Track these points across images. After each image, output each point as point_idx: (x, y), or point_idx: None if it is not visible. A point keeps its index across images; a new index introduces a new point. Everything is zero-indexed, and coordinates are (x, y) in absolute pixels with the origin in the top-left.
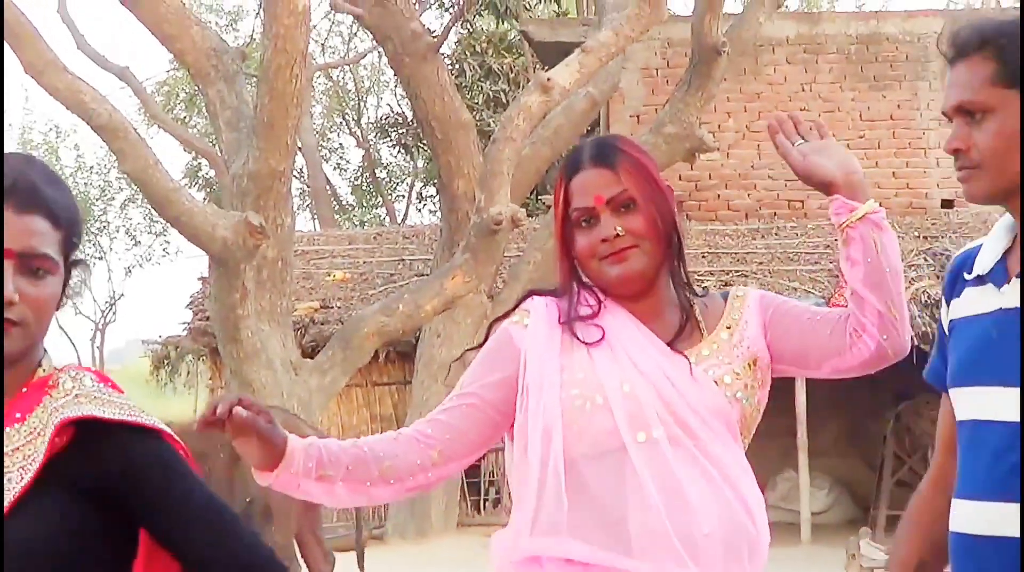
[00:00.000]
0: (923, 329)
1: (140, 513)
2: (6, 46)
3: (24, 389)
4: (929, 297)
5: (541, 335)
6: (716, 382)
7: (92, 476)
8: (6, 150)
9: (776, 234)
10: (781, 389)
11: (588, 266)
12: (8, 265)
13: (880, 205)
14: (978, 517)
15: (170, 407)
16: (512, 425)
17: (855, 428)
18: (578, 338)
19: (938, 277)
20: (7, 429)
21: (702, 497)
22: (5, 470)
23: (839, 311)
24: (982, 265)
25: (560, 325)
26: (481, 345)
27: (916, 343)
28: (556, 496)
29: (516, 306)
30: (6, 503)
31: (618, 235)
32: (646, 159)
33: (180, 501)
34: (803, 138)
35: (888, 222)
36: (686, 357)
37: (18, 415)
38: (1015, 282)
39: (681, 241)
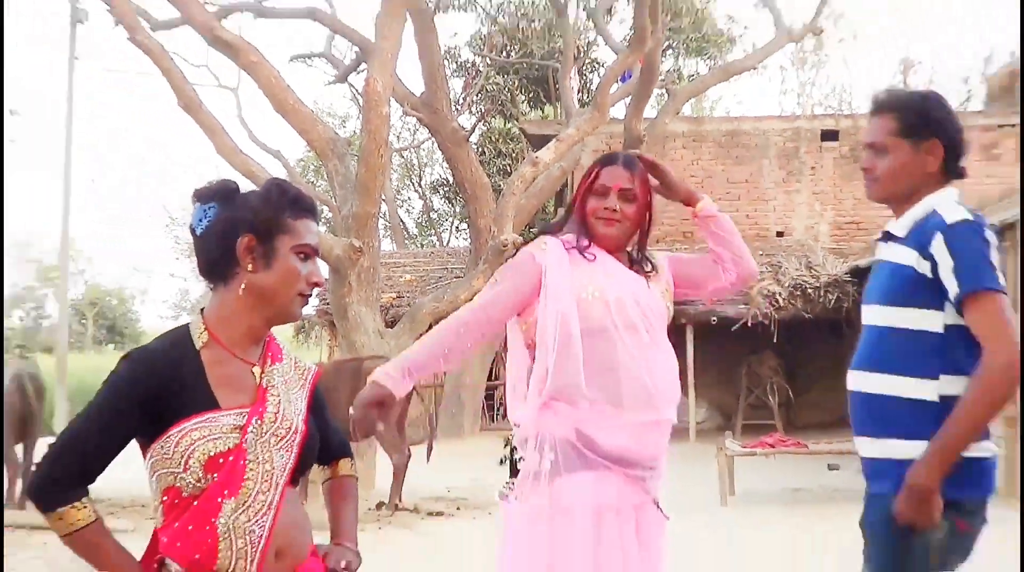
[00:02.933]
0: (764, 310)
1: (319, 414)
2: (204, 134)
3: (268, 338)
4: (768, 291)
5: (556, 255)
6: (660, 295)
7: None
8: None
9: (675, 253)
10: (675, 344)
11: (588, 219)
12: (314, 260)
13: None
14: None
15: (305, 357)
16: (521, 312)
17: (723, 370)
18: (584, 257)
19: (776, 280)
20: (277, 365)
21: (661, 365)
22: (287, 386)
23: (710, 256)
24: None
25: (567, 251)
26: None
27: (760, 320)
28: (575, 357)
29: (534, 239)
30: (300, 415)
31: (615, 210)
32: (647, 176)
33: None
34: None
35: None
36: (646, 277)
37: (280, 356)
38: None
39: (650, 227)
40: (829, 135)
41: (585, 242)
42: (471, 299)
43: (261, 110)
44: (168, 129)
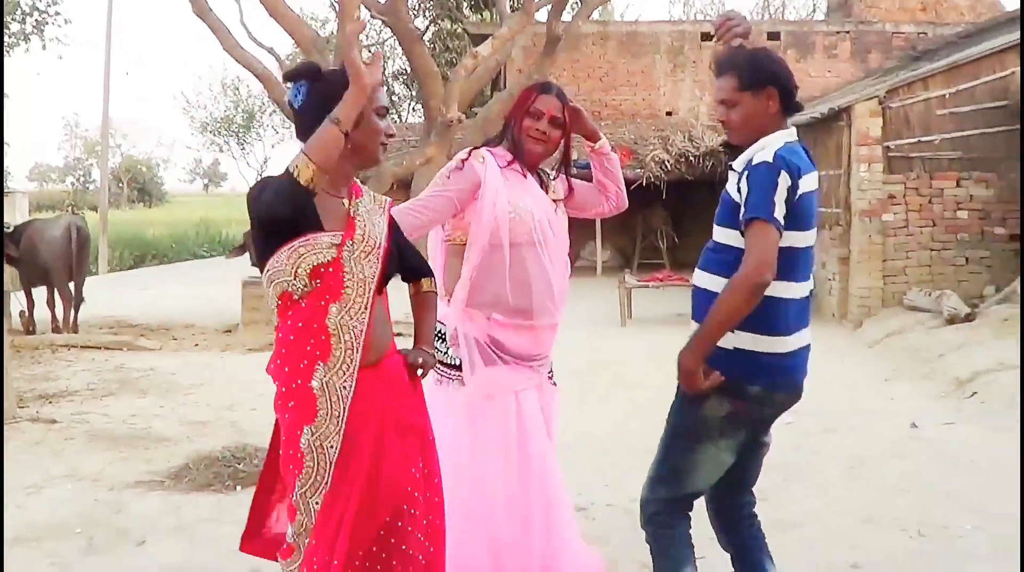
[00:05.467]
0: (656, 173)
1: (399, 237)
2: (213, 35)
3: (355, 180)
4: (659, 158)
5: (493, 169)
6: (563, 214)
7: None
8: None
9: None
10: None
11: (521, 136)
12: (386, 118)
13: (635, 115)
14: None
15: None
16: (456, 214)
17: (623, 221)
18: (513, 174)
19: (665, 150)
20: (360, 199)
21: (560, 279)
22: (369, 213)
23: (596, 186)
24: (805, 163)
25: (501, 168)
26: (457, 168)
27: (652, 180)
28: (500, 266)
29: (473, 150)
30: (383, 234)
31: (544, 132)
32: (576, 108)
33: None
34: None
35: (638, 123)
36: (553, 201)
37: (361, 193)
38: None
39: (568, 149)
40: (707, 36)
41: (513, 158)
42: (425, 163)
43: (258, 15)
44: (184, 32)
